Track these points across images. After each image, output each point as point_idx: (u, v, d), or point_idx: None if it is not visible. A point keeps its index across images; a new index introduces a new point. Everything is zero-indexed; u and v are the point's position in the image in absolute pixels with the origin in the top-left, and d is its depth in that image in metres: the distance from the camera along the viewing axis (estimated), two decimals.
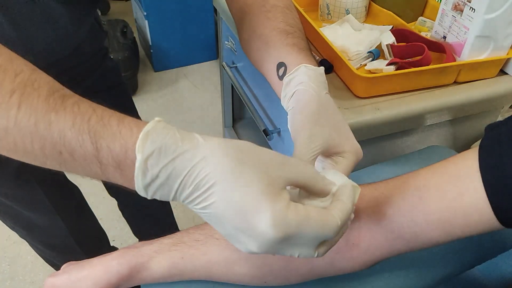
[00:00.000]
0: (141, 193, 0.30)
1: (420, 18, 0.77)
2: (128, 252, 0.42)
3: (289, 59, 0.49)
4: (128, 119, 0.30)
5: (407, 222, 0.37)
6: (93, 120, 0.30)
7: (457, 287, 0.61)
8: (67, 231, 0.87)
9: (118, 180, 0.31)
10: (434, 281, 0.49)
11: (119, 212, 1.14)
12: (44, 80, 0.31)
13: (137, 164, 0.29)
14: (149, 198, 0.31)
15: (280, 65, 0.50)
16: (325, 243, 0.32)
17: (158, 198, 0.31)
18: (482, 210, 0.33)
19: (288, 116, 0.46)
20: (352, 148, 0.42)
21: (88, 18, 0.71)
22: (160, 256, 0.41)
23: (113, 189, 1.05)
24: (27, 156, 0.31)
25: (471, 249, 0.51)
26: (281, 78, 0.49)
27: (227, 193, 0.28)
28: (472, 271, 0.65)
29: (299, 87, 0.45)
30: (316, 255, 0.31)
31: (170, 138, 0.29)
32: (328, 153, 0.42)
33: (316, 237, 0.30)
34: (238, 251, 0.40)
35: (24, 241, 0.91)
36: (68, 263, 0.45)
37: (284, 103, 0.48)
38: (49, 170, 0.84)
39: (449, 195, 0.35)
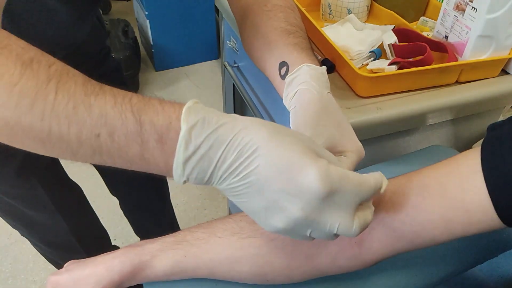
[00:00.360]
0: (178, 170, 0.30)
1: (422, 17, 0.77)
2: (131, 250, 0.42)
3: (291, 59, 0.49)
4: (167, 100, 0.31)
5: (410, 220, 0.37)
6: (135, 99, 0.30)
7: (458, 286, 0.61)
8: (68, 229, 0.88)
9: (156, 158, 0.30)
10: (435, 280, 0.50)
11: (121, 211, 1.14)
12: (76, 71, 0.32)
13: (181, 134, 0.29)
14: (184, 178, 0.30)
15: (282, 64, 0.50)
16: (362, 210, 0.32)
17: (193, 178, 0.30)
18: (484, 209, 0.34)
19: (290, 116, 0.46)
20: (354, 147, 0.42)
21: (90, 17, 0.72)
22: (163, 254, 0.41)
23: (115, 188, 1.05)
24: (59, 145, 0.30)
25: (473, 248, 0.51)
26: (283, 77, 0.49)
27: (271, 155, 0.29)
28: (473, 270, 0.65)
29: (301, 87, 0.46)
30: (354, 227, 0.31)
31: (211, 113, 0.30)
32: (330, 150, 0.42)
33: (356, 194, 0.31)
34: (241, 250, 0.40)
35: (26, 240, 0.91)
36: (70, 261, 0.45)
37: (286, 102, 0.48)
38: (50, 169, 0.84)
39: (451, 194, 0.35)
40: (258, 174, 0.30)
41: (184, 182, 0.31)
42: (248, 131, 0.30)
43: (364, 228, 0.32)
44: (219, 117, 0.30)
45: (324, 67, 0.48)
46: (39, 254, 0.97)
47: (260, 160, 0.29)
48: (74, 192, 0.92)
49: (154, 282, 0.44)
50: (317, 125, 0.42)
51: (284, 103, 0.49)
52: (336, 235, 0.33)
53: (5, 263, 1.35)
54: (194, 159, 0.30)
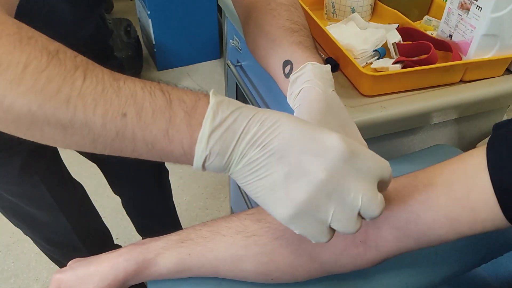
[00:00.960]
0: (202, 143, 0.30)
1: (426, 16, 0.77)
2: (135, 248, 0.42)
3: (295, 57, 0.49)
4: None
5: (414, 219, 0.37)
6: (162, 84, 0.31)
7: (462, 285, 0.61)
8: (71, 228, 0.88)
9: (182, 133, 0.30)
10: (440, 279, 0.49)
11: (123, 210, 1.14)
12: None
13: (210, 105, 0.30)
14: (206, 152, 0.30)
15: (286, 63, 0.50)
16: (384, 187, 0.32)
17: (215, 153, 0.30)
18: (490, 208, 0.33)
19: (294, 114, 0.46)
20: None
21: (93, 17, 0.72)
22: (167, 252, 0.41)
23: (118, 187, 1.05)
24: (81, 131, 0.30)
25: (478, 247, 0.51)
26: (287, 76, 0.49)
27: (293, 123, 0.31)
28: (478, 270, 0.65)
29: (305, 85, 0.45)
30: (379, 200, 0.31)
31: (232, 100, 0.32)
32: None
33: (377, 166, 0.31)
34: (245, 248, 0.40)
35: (28, 238, 0.91)
36: (74, 259, 0.45)
37: (290, 101, 0.48)
38: (53, 167, 0.83)
39: (457, 193, 0.35)
40: (281, 139, 0.30)
41: (203, 165, 0.31)
42: (268, 111, 0.31)
43: (383, 209, 0.31)
44: (239, 103, 0.32)
45: (329, 66, 0.48)
46: (42, 252, 0.97)
47: (282, 127, 0.30)
48: (77, 190, 0.93)
49: (158, 280, 0.44)
50: (320, 123, 0.42)
51: (288, 102, 0.49)
52: (359, 217, 0.31)
53: (7, 261, 1.35)
54: (219, 131, 0.30)
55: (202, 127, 0.30)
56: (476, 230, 0.36)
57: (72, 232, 0.89)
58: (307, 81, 0.45)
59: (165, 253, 0.41)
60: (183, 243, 0.42)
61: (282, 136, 0.30)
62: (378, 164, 0.31)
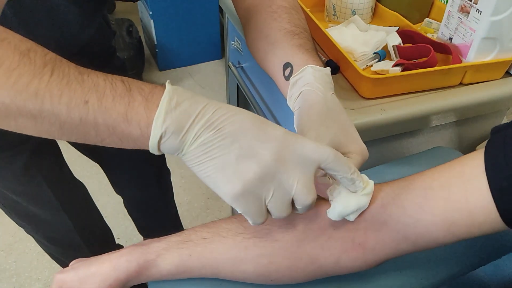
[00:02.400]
0: (158, 121, 0.33)
1: (426, 19, 0.77)
2: (137, 249, 0.42)
3: (296, 60, 0.49)
4: None
5: (413, 222, 0.37)
6: (124, 78, 0.35)
7: (461, 287, 0.61)
8: (73, 227, 0.88)
9: (139, 115, 0.34)
10: (439, 281, 0.50)
11: (124, 210, 1.15)
12: (68, 61, 0.35)
13: (166, 89, 0.34)
14: (161, 130, 0.33)
15: (287, 65, 0.50)
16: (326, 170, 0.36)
17: (170, 132, 0.33)
18: (488, 211, 0.34)
19: (294, 117, 0.47)
20: (358, 148, 0.43)
21: (96, 17, 0.72)
22: (168, 253, 0.42)
23: (119, 186, 1.06)
24: (49, 118, 0.33)
25: (476, 250, 0.51)
26: (287, 78, 0.49)
27: (246, 114, 0.35)
28: (476, 272, 0.65)
29: (305, 88, 0.46)
30: (312, 192, 0.35)
31: (188, 90, 0.36)
32: None
33: (315, 155, 0.35)
34: (245, 250, 0.41)
35: (30, 238, 0.92)
36: (76, 259, 0.46)
37: (290, 103, 0.49)
38: (55, 166, 0.84)
39: (455, 196, 0.35)
40: (234, 125, 0.34)
41: (159, 145, 0.34)
42: (221, 103, 0.35)
43: (314, 198, 0.36)
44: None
45: (328, 68, 0.48)
46: (43, 252, 0.98)
47: (237, 116, 0.34)
48: (79, 190, 0.93)
49: (158, 281, 0.44)
50: (320, 126, 0.42)
51: (288, 104, 0.49)
52: (293, 206, 0.36)
53: (9, 261, 1.36)
54: (175, 113, 0.33)
55: (159, 107, 0.33)
56: (474, 233, 0.36)
57: (74, 231, 0.90)
58: (307, 84, 0.46)
59: (166, 254, 0.42)
60: (183, 244, 0.42)
61: (236, 123, 0.34)
62: (317, 152, 0.35)
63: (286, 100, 0.67)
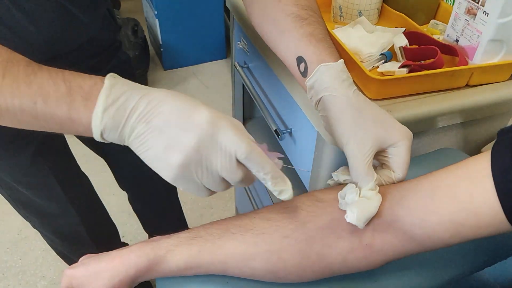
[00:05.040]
0: (97, 120, 0.36)
1: (433, 20, 0.77)
2: (146, 245, 0.43)
3: (308, 54, 0.48)
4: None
5: (419, 223, 0.38)
6: (67, 72, 0.38)
7: (461, 281, 0.62)
8: (79, 220, 0.89)
9: (81, 114, 0.37)
10: (443, 281, 0.50)
11: (129, 209, 1.16)
12: (21, 57, 0.39)
13: (103, 87, 0.37)
14: (101, 127, 0.37)
15: (300, 60, 0.49)
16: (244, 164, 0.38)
17: (109, 128, 0.37)
18: (494, 212, 0.34)
19: (322, 121, 0.47)
20: (401, 134, 0.43)
21: (101, 8, 0.73)
22: (178, 249, 0.42)
23: (124, 182, 1.07)
24: (7, 115, 0.38)
25: (482, 250, 0.52)
26: (303, 75, 0.49)
27: (175, 102, 0.37)
28: (481, 273, 0.65)
29: (325, 94, 0.45)
30: (236, 167, 0.37)
31: (127, 81, 0.39)
32: (382, 149, 0.43)
33: (232, 146, 0.37)
34: (255, 246, 0.41)
35: (36, 236, 0.93)
36: (85, 256, 0.46)
37: (312, 103, 0.48)
38: (63, 158, 0.86)
39: (461, 197, 0.36)
40: (161, 117, 0.36)
41: (103, 138, 0.37)
42: (158, 91, 0.38)
43: (241, 175, 0.38)
44: (137, 84, 0.38)
45: (342, 62, 0.47)
46: (48, 250, 0.99)
47: (164, 106, 0.37)
48: (85, 183, 0.94)
49: (167, 277, 0.45)
50: (358, 133, 0.42)
51: (308, 100, 0.49)
52: (224, 180, 0.39)
53: (15, 258, 1.37)
54: (112, 109, 0.36)
55: (96, 105, 0.36)
56: (480, 234, 0.36)
57: (80, 225, 0.90)
58: (326, 89, 0.45)
59: (176, 250, 0.42)
60: (193, 240, 0.42)
61: (163, 114, 0.37)
62: (233, 145, 0.37)
63: (292, 100, 0.67)
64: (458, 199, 0.36)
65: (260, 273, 0.42)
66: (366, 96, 0.62)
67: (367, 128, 0.42)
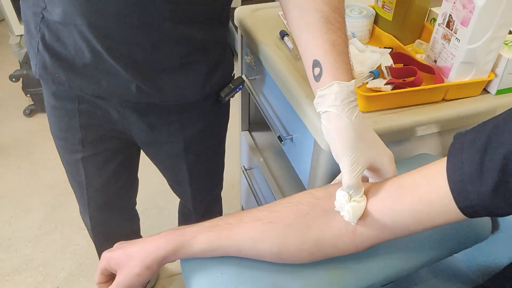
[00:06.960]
0: None
1: (418, 40, 0.87)
2: (175, 231, 0.52)
3: (326, 63, 0.51)
4: None
5: (388, 212, 0.47)
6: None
7: (439, 267, 0.70)
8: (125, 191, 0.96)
9: None
10: (421, 263, 0.58)
11: (141, 206, 1.22)
12: None
13: None
14: None
15: (316, 63, 0.52)
16: None
17: None
18: (445, 202, 0.42)
19: (324, 133, 0.52)
20: (387, 158, 0.51)
21: None
22: (200, 235, 0.50)
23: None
24: None
25: (450, 239, 0.60)
26: (316, 79, 0.52)
27: None
28: (456, 261, 0.74)
29: (332, 110, 0.49)
30: None
31: None
32: (370, 168, 0.52)
33: None
34: (263, 232, 0.50)
35: (55, 231, 0.98)
36: (120, 242, 0.54)
37: (316, 107, 0.53)
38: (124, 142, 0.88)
39: (422, 191, 0.44)
40: None
41: None
42: None
43: None
44: None
45: (353, 83, 0.50)
46: (67, 244, 1.03)
47: None
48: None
49: (189, 258, 0.53)
50: (353, 153, 0.49)
51: (314, 103, 0.54)
52: None
53: (36, 251, 1.47)
54: None
55: None
56: (437, 222, 0.44)
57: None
58: (333, 106, 0.49)
59: (199, 236, 0.51)
60: (213, 228, 0.51)
61: None
62: None
63: (293, 110, 0.76)
64: (418, 191, 0.44)
65: (268, 254, 0.51)
66: None
67: (362, 151, 0.49)
